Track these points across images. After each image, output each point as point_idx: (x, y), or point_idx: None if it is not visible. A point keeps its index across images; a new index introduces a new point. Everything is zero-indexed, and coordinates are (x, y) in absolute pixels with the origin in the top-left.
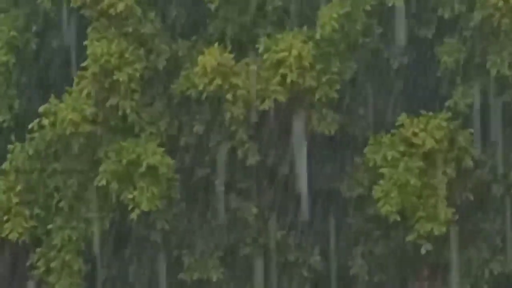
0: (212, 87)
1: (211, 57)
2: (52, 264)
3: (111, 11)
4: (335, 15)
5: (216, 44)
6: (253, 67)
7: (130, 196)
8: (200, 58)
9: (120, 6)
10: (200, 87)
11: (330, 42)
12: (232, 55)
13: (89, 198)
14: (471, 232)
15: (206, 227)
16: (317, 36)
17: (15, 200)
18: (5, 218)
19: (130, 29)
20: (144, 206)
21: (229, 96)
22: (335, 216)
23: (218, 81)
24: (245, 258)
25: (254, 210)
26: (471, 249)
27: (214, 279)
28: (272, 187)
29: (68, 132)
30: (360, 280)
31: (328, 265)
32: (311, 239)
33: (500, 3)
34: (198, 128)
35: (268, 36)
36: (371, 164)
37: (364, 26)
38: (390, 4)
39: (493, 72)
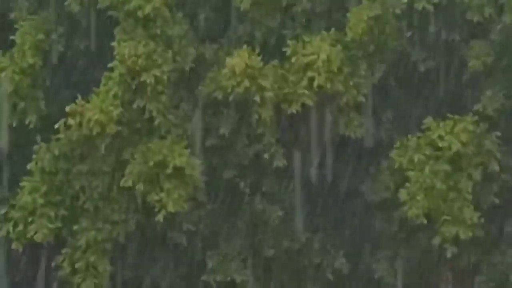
0: (240, 89)
1: (240, 59)
2: (77, 265)
3: (139, 12)
4: (365, 17)
5: (244, 46)
6: (281, 70)
7: (157, 197)
8: (228, 60)
9: (148, 8)
10: (228, 89)
11: (359, 44)
12: (260, 57)
13: (114, 199)
14: (496, 236)
15: (231, 229)
16: (348, 38)
17: (40, 201)
18: (30, 219)
19: (158, 31)
20: (171, 208)
21: (257, 98)
22: (360, 219)
23: (246, 83)
24: (269, 260)
25: (279, 212)
26: (496, 254)
27: (238, 280)
28: (297, 190)
29: (94, 132)
30: (385, 284)
31: (353, 268)
32: (336, 242)
33: None
34: (224, 130)
35: (296, 38)
36: (397, 167)
37: (393, 29)
38: (420, 8)
39: None
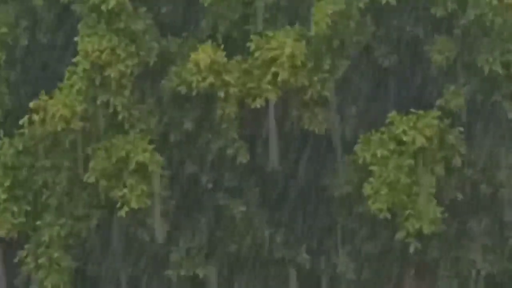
0: (205, 84)
1: (205, 54)
2: (40, 261)
3: (103, 7)
4: (329, 12)
5: (209, 41)
6: (245, 65)
7: (120, 193)
8: (193, 55)
9: (112, 2)
10: (193, 84)
11: (323, 39)
12: (224, 53)
13: (77, 195)
14: (459, 231)
15: (193, 224)
16: (311, 33)
17: (3, 196)
18: None
19: (122, 25)
20: (134, 204)
21: (221, 94)
22: (323, 214)
23: (211, 78)
24: (232, 255)
25: (242, 208)
26: (459, 249)
27: (201, 275)
28: (260, 185)
29: (59, 128)
30: (347, 278)
31: (315, 262)
32: (299, 237)
33: (494, 2)
34: (188, 125)
35: (260, 34)
36: (360, 162)
37: (357, 24)
38: (383, 2)
39: (486, 70)
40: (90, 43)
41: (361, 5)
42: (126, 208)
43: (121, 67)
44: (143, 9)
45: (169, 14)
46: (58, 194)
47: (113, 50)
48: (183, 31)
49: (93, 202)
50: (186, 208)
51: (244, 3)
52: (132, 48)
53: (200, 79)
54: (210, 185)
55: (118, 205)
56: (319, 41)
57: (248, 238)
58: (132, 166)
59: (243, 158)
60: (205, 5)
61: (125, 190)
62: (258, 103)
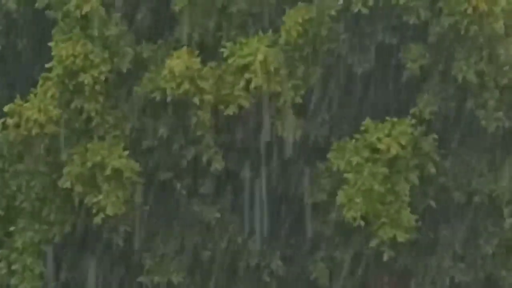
0: (179, 91)
1: (180, 60)
2: (14, 267)
3: (77, 12)
4: (300, 20)
5: (184, 48)
6: (218, 72)
7: (95, 199)
8: (168, 61)
9: (86, 8)
10: (168, 91)
11: (295, 47)
12: (199, 59)
13: (52, 200)
14: (433, 239)
15: (168, 231)
16: (282, 41)
17: None
18: None
19: (96, 31)
20: (109, 211)
21: (196, 100)
22: (297, 221)
23: (186, 85)
24: (206, 262)
25: (217, 214)
26: (433, 257)
27: (175, 282)
28: (234, 192)
29: (33, 133)
30: (321, 286)
31: (289, 270)
32: (273, 244)
33: (469, 10)
34: (162, 131)
35: (233, 40)
36: (334, 169)
37: (329, 32)
38: (356, 10)
39: (459, 78)
40: (64, 48)
41: (333, 13)
42: (101, 215)
43: (95, 72)
44: (117, 15)
45: (144, 20)
46: (32, 199)
47: (87, 55)
48: (158, 38)
49: (67, 207)
50: (161, 214)
51: (218, 10)
52: (106, 54)
53: (174, 85)
54: (184, 192)
55: (94, 211)
56: (291, 48)
57: (222, 245)
58: (107, 172)
59: (218, 165)
60: (179, 11)
61: (101, 196)
62: (232, 110)
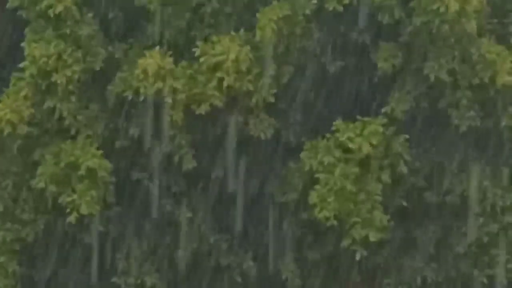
0: (152, 90)
1: (152, 60)
2: None
3: (49, 12)
4: (274, 18)
5: (157, 47)
6: (190, 71)
7: (69, 199)
8: (140, 61)
9: (59, 7)
10: (141, 90)
11: (268, 45)
12: (171, 59)
13: (24, 200)
14: (405, 239)
15: (140, 231)
16: (257, 39)
17: None
18: None
19: (68, 31)
20: (84, 210)
21: (168, 100)
22: (269, 221)
23: (158, 84)
24: (178, 262)
25: (188, 214)
26: (405, 257)
27: (148, 283)
28: (206, 191)
29: (5, 133)
30: (292, 285)
31: (261, 270)
32: (244, 244)
33: (442, 9)
34: (134, 131)
35: (205, 39)
36: (307, 169)
37: (303, 30)
38: (330, 9)
39: (432, 77)
40: (37, 48)
41: (307, 11)
42: (75, 214)
43: (68, 72)
44: (89, 15)
45: (116, 19)
46: (4, 199)
47: (60, 55)
48: (130, 37)
49: (40, 207)
50: (133, 214)
51: (190, 9)
52: (79, 54)
53: (147, 85)
54: (156, 191)
55: (68, 210)
56: (264, 47)
57: (194, 245)
58: (81, 171)
59: (189, 164)
60: (151, 11)
61: (75, 196)
62: (203, 109)
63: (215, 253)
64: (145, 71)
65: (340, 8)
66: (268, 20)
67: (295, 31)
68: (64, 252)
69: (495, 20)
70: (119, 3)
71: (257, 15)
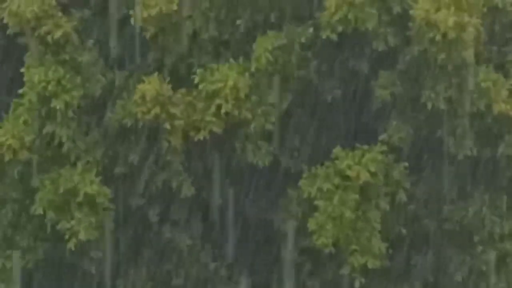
0: (150, 116)
1: (150, 86)
2: None
3: (48, 38)
4: (270, 47)
5: (156, 74)
6: (189, 98)
7: (68, 225)
8: (139, 86)
9: (58, 33)
10: (139, 116)
11: (265, 74)
12: (170, 85)
13: (24, 227)
14: (404, 266)
15: (139, 258)
16: (252, 68)
17: None
18: None
19: (67, 57)
20: (82, 236)
21: (167, 126)
22: (268, 249)
23: (156, 110)
24: None
25: (188, 241)
26: (404, 284)
27: None
28: (205, 219)
29: (6, 158)
30: None
31: None
32: (244, 271)
33: (438, 37)
34: (133, 158)
35: (204, 66)
36: (306, 196)
37: (299, 59)
38: (324, 37)
39: (429, 106)
40: (36, 74)
41: (303, 40)
42: (74, 240)
43: (67, 98)
44: (90, 41)
45: (116, 46)
46: (4, 226)
47: (59, 81)
48: (130, 64)
49: (39, 234)
50: (132, 241)
51: (189, 36)
52: (78, 80)
53: (145, 110)
54: (155, 218)
55: (67, 237)
56: (262, 75)
57: (193, 272)
58: (80, 198)
59: (188, 191)
60: (150, 38)
61: (73, 222)
62: (202, 135)
63: (215, 280)
64: (143, 96)
65: (334, 37)
66: (263, 49)
67: (291, 59)
68: (63, 278)
69: (495, 48)
70: (118, 30)
71: (253, 45)
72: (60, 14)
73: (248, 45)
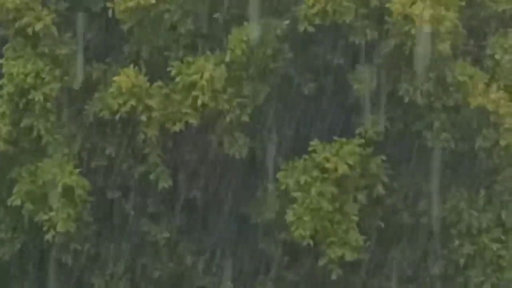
0: (126, 108)
1: (126, 77)
2: None
3: (28, 30)
4: (245, 38)
5: (131, 66)
6: (166, 90)
7: (46, 217)
8: (115, 78)
9: (38, 26)
10: (115, 108)
11: (240, 65)
12: (146, 77)
13: (1, 219)
14: (382, 259)
15: (116, 250)
16: (227, 59)
17: None
18: None
19: (46, 50)
20: (60, 227)
21: (143, 118)
22: (245, 241)
23: (132, 102)
24: (155, 282)
25: (165, 234)
26: (381, 277)
27: None
28: (183, 211)
29: None
30: None
31: None
32: (221, 264)
33: (413, 31)
34: (110, 150)
35: (181, 59)
36: (283, 188)
37: (275, 51)
38: (301, 30)
39: (406, 99)
40: (15, 66)
41: (279, 32)
42: (52, 232)
43: (46, 90)
44: (68, 35)
45: (93, 39)
46: None
47: (38, 73)
48: (107, 57)
49: (17, 226)
50: (109, 233)
51: (166, 29)
52: (57, 73)
53: (121, 102)
54: (132, 211)
55: (45, 228)
56: (237, 67)
57: (171, 265)
58: (58, 189)
59: (165, 183)
60: (127, 31)
61: (52, 214)
62: (178, 127)
63: (192, 274)
64: (119, 88)
65: (312, 29)
66: (238, 41)
67: (266, 52)
68: (41, 270)
69: (472, 42)
70: (97, 23)
71: (228, 36)
72: (40, 7)
73: (226, 38)
